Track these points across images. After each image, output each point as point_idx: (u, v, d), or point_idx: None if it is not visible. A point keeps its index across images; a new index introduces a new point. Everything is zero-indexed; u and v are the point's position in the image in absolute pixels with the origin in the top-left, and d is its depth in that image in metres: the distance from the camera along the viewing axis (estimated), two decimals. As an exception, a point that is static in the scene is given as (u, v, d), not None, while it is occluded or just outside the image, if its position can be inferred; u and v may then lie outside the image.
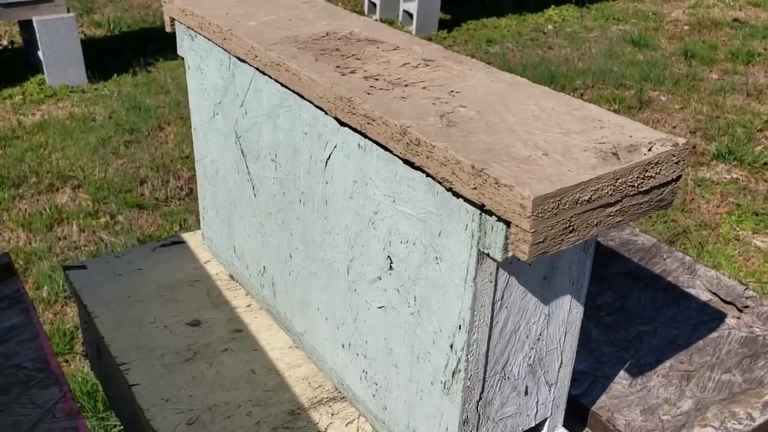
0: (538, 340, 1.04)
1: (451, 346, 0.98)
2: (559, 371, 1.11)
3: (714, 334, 1.45)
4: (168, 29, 1.46)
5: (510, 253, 0.85)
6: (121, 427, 2.44)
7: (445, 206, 0.91)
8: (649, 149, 0.85)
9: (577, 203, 0.80)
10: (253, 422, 1.21)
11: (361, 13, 6.56)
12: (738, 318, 1.49)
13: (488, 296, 0.93)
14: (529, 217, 0.77)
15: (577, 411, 1.30)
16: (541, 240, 0.79)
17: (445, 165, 0.86)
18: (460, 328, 0.95)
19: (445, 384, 1.01)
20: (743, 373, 1.36)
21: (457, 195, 0.89)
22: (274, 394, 1.27)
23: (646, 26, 6.64)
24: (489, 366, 1.00)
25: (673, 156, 0.87)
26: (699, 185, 4.32)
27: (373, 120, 0.96)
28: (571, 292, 1.04)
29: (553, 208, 0.78)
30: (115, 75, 5.18)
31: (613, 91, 5.28)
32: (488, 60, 5.73)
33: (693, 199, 4.22)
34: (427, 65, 1.12)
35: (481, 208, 0.85)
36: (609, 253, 1.67)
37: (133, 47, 5.70)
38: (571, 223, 0.81)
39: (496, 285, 0.93)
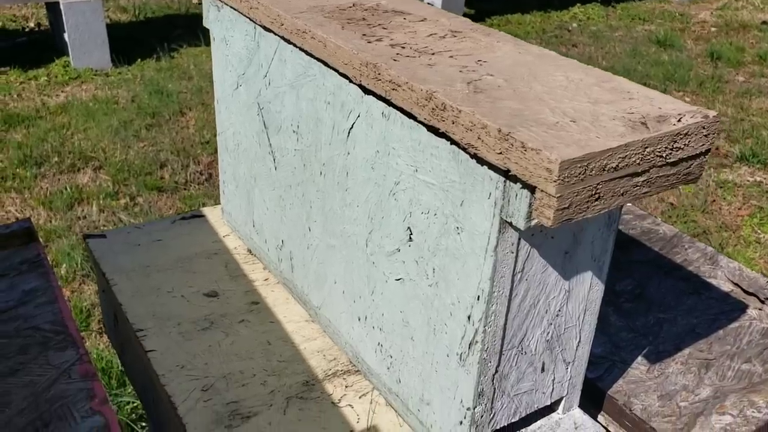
0: (557, 316, 1.03)
1: (469, 318, 0.97)
2: (576, 350, 1.10)
3: (735, 324, 1.43)
4: (195, 1, 1.46)
5: (533, 222, 0.84)
6: (133, 404, 2.45)
7: (468, 174, 0.91)
8: (679, 120, 0.84)
9: (604, 170, 0.79)
10: (268, 391, 1.21)
11: (385, 5, 6.55)
12: (760, 309, 1.46)
13: (509, 267, 0.92)
14: (555, 182, 0.76)
15: (593, 394, 1.28)
16: (566, 206, 0.78)
17: (470, 130, 0.85)
18: (478, 299, 0.94)
19: (461, 356, 1.00)
20: (764, 363, 1.34)
21: (481, 162, 0.88)
22: (288, 365, 1.27)
23: (672, 27, 6.58)
24: (506, 339, 0.99)
25: (703, 128, 0.85)
26: (721, 187, 4.27)
27: (399, 86, 0.95)
28: (592, 268, 1.03)
29: (579, 174, 0.77)
30: (139, 59, 5.20)
31: (636, 90, 5.24)
32: (511, 56, 5.71)
33: (714, 200, 4.18)
34: (455, 36, 1.11)
35: (506, 174, 0.84)
36: (630, 242, 1.66)
37: (157, 33, 5.73)
38: (597, 191, 0.80)
39: (517, 256, 0.92)
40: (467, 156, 0.90)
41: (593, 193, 0.80)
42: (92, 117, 4.40)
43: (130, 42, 5.47)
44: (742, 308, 1.46)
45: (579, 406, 1.23)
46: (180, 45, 5.46)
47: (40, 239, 3.36)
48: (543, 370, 1.07)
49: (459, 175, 0.92)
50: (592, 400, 1.29)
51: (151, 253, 1.52)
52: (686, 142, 0.84)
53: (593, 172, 0.78)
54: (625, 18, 6.75)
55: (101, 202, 3.69)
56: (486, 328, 0.95)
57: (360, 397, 1.22)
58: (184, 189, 3.82)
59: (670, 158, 0.84)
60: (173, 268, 1.48)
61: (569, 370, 1.11)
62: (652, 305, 1.47)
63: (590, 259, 1.01)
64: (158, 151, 4.11)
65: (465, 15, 6.20)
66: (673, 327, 1.42)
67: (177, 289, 1.42)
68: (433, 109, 0.90)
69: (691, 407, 1.25)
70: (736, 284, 1.53)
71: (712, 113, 0.86)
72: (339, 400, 1.21)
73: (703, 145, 0.86)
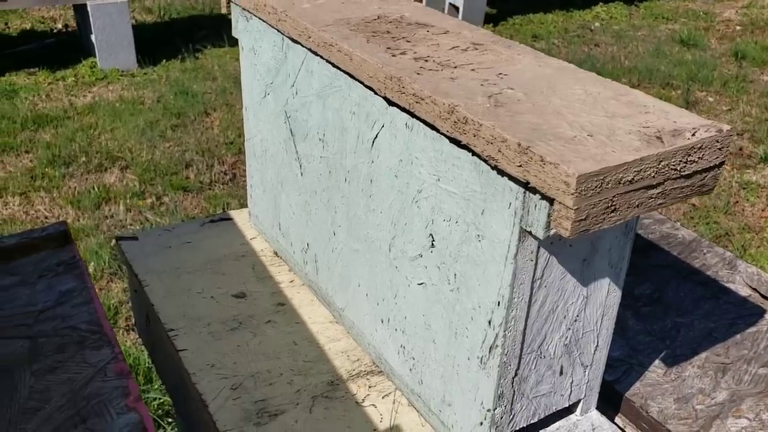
0: (576, 320, 1.06)
1: (489, 322, 1.00)
2: (594, 353, 1.13)
3: (752, 329, 1.45)
4: (223, 11, 1.51)
5: (552, 231, 0.87)
6: (160, 400, 2.51)
7: (489, 185, 0.94)
8: (693, 134, 0.87)
9: (620, 183, 0.82)
10: (294, 390, 1.26)
11: (407, 5, 6.59)
12: (777, 314, 1.49)
13: (528, 274, 0.96)
14: (572, 195, 0.79)
15: (611, 397, 1.31)
16: (583, 218, 0.82)
17: (491, 143, 0.89)
18: (499, 305, 0.98)
19: (482, 359, 1.04)
20: (780, 367, 1.36)
21: (501, 173, 0.91)
22: (314, 365, 1.31)
23: (696, 26, 6.55)
24: (526, 343, 1.02)
25: (717, 142, 0.88)
26: (744, 188, 4.26)
27: (422, 99, 0.99)
28: (609, 275, 1.06)
29: (596, 187, 0.80)
30: (164, 60, 5.28)
31: (659, 90, 5.23)
32: (533, 56, 5.72)
33: (737, 201, 4.17)
34: (476, 49, 1.14)
35: (526, 186, 0.87)
36: (649, 246, 1.68)
37: (182, 34, 5.80)
38: (613, 203, 0.83)
39: (536, 263, 0.95)
40: (488, 167, 0.93)
41: (609, 205, 0.83)
42: (119, 117, 4.48)
43: (155, 43, 5.56)
44: (760, 313, 1.48)
45: (597, 408, 1.26)
46: (204, 46, 5.53)
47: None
48: (561, 373, 1.10)
49: (480, 185, 0.96)
50: (610, 402, 1.32)
51: (181, 255, 1.57)
52: (700, 156, 0.87)
53: (609, 185, 0.81)
54: (649, 17, 6.73)
55: (128, 201, 3.76)
56: (506, 332, 0.99)
57: (383, 397, 1.26)
58: (209, 189, 3.89)
59: (684, 171, 0.87)
60: (203, 269, 1.53)
61: (587, 373, 1.15)
62: (670, 309, 1.49)
63: (608, 266, 1.04)
64: (183, 151, 4.18)
65: (487, 15, 6.22)
66: (690, 331, 1.44)
67: (206, 290, 1.47)
68: (455, 122, 0.94)
69: (707, 410, 1.27)
70: (754, 289, 1.55)
71: (726, 127, 0.89)
72: (363, 399, 1.25)
73: (717, 158, 0.89)
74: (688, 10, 7.00)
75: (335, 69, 1.21)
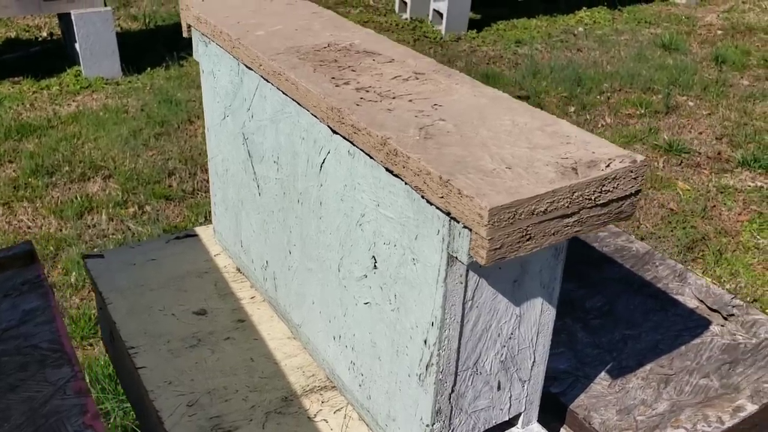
0: (510, 338, 1.11)
1: (425, 341, 1.05)
2: (532, 369, 1.18)
3: (697, 340, 1.50)
4: (185, 35, 1.55)
5: (473, 258, 0.92)
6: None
7: (420, 212, 0.99)
8: (607, 165, 0.92)
9: (533, 214, 0.87)
10: (249, 406, 1.30)
11: (391, 12, 6.63)
12: (722, 326, 1.54)
13: (459, 296, 1.00)
14: (485, 226, 0.84)
15: (557, 409, 1.36)
16: (498, 246, 0.86)
17: (418, 175, 0.94)
18: (432, 325, 1.03)
19: (420, 376, 1.09)
20: (721, 378, 1.41)
21: (429, 202, 0.96)
22: (269, 381, 1.36)
23: (678, 30, 6.61)
24: (461, 361, 1.07)
25: (631, 172, 0.93)
26: (722, 192, 4.32)
27: (359, 130, 1.04)
28: (542, 295, 1.11)
29: (509, 218, 0.85)
30: (149, 68, 5.31)
31: (640, 95, 5.29)
32: (516, 61, 5.77)
33: (715, 206, 4.22)
34: (417, 78, 1.19)
35: (448, 215, 0.92)
36: (603, 259, 1.73)
37: (167, 41, 5.84)
38: (528, 232, 0.88)
39: (466, 286, 1.00)
40: (419, 196, 0.98)
41: (524, 234, 0.88)
42: (102, 126, 4.51)
43: (140, 50, 5.59)
44: (705, 324, 1.53)
45: (541, 421, 1.31)
46: (189, 53, 5.56)
47: (49, 253, 3.47)
48: (499, 388, 1.15)
49: (413, 212, 1.01)
50: (556, 414, 1.37)
51: (145, 273, 1.61)
52: (615, 185, 0.92)
53: (522, 216, 0.86)
54: (632, 21, 6.79)
55: (110, 210, 3.80)
56: (440, 351, 1.04)
57: (335, 412, 1.31)
58: (191, 197, 3.93)
59: (599, 200, 0.92)
60: (166, 286, 1.58)
61: (526, 387, 1.19)
62: (620, 322, 1.54)
63: (539, 286, 1.09)
64: (166, 159, 4.22)
65: (471, 20, 6.27)
66: (637, 343, 1.49)
67: (168, 308, 1.52)
68: (387, 153, 0.99)
69: (647, 421, 1.32)
70: (701, 301, 1.60)
71: (640, 158, 0.94)
72: (315, 415, 1.30)
73: (632, 186, 0.94)
74: (671, 14, 7.06)
75: (285, 96, 1.25)
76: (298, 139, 1.25)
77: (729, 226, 4.10)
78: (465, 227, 0.90)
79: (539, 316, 1.12)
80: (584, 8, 6.90)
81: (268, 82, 1.29)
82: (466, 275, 0.99)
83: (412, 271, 1.04)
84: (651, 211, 4.10)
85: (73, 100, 4.84)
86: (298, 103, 1.21)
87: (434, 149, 0.96)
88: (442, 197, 0.90)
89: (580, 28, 6.53)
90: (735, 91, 5.40)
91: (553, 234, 0.91)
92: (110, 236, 3.57)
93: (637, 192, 0.95)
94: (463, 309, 1.02)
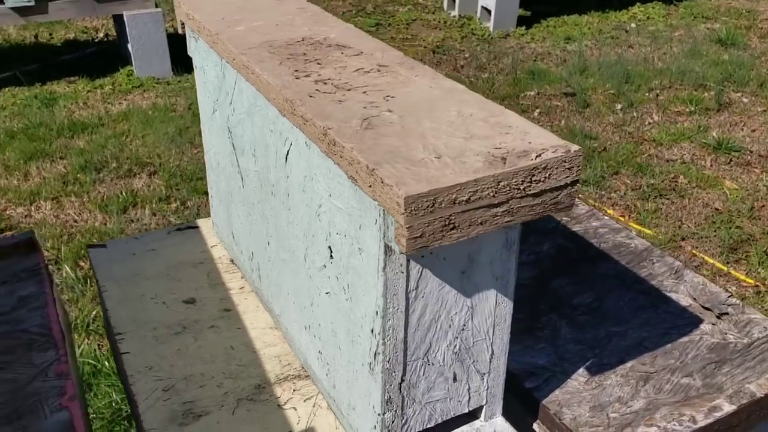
0: (463, 330, 1.11)
1: (372, 331, 1.06)
2: (491, 361, 1.18)
3: (684, 339, 1.46)
4: (180, 31, 1.60)
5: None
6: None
7: (361, 202, 1.00)
8: (539, 155, 0.91)
9: (454, 203, 0.87)
10: (222, 392, 1.33)
11: (440, 9, 6.62)
12: (713, 324, 1.49)
13: (401, 286, 1.01)
14: (402, 214, 0.85)
15: (530, 404, 1.35)
16: (418, 235, 0.87)
17: (351, 164, 0.95)
18: (377, 314, 1.04)
19: (370, 365, 1.10)
20: (704, 378, 1.37)
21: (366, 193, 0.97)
22: (245, 369, 1.39)
23: (738, 24, 6.40)
24: (409, 351, 1.07)
25: (564, 162, 0.92)
26: (771, 191, 4.17)
27: (306, 121, 1.06)
28: (495, 287, 1.10)
29: (427, 207, 0.86)
30: (199, 68, 5.44)
31: (691, 92, 5.15)
32: (564, 57, 5.69)
33: (763, 206, 4.08)
34: (379, 70, 1.20)
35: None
36: (598, 255, 1.70)
37: (219, 41, 5.97)
38: (451, 221, 0.88)
39: (408, 275, 1.01)
40: (357, 186, 0.99)
41: (447, 223, 0.88)
42: (150, 124, 4.65)
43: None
44: (696, 323, 1.49)
45: (515, 415, 1.31)
46: (238, 53, 5.68)
47: (94, 242, 3.59)
48: (455, 379, 1.15)
49: (357, 202, 1.02)
50: (529, 409, 1.36)
51: (143, 262, 1.67)
52: (546, 176, 0.91)
53: (443, 205, 0.86)
54: (688, 17, 6.60)
55: (154, 206, 3.91)
56: (386, 340, 1.05)
57: (305, 401, 1.33)
58: (230, 193, 4.00)
59: (530, 190, 0.92)
60: (160, 276, 1.62)
61: (486, 380, 1.19)
62: (607, 319, 1.52)
63: (491, 278, 1.09)
64: (208, 156, 4.31)
65: (520, 17, 6.20)
66: (622, 341, 1.46)
67: (159, 296, 1.56)
68: (328, 143, 1.00)
69: (620, 419, 1.30)
70: (694, 299, 1.56)
71: (574, 147, 0.93)
72: (285, 403, 1.32)
73: (567, 177, 0.93)
74: (730, 8, 6.84)
75: (256, 90, 1.28)
76: (268, 132, 1.28)
77: (778, 226, 3.95)
78: (391, 216, 0.91)
79: (494, 308, 1.12)
80: (638, 4, 6.75)
81: (242, 76, 1.32)
82: (407, 265, 1.00)
83: (359, 261, 1.06)
84: (695, 211, 3.99)
85: (124, 99, 5.00)
86: (265, 97, 1.23)
87: (371, 139, 0.97)
88: (370, 186, 0.91)
89: (633, 24, 6.39)
90: (794, 87, 5.20)
91: (481, 224, 0.90)
92: (152, 230, 3.67)
93: (574, 183, 0.94)
94: (407, 298, 1.02)
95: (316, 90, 1.13)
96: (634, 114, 4.86)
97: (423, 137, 0.97)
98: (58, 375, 1.31)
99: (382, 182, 0.87)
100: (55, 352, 1.36)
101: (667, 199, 4.05)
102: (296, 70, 1.20)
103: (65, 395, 1.28)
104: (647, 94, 5.12)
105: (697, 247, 3.71)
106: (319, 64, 1.23)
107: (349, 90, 1.13)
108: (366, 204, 0.98)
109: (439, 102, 1.08)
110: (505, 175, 0.89)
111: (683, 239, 3.76)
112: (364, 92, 1.12)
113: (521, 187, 0.91)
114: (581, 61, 5.53)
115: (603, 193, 4.06)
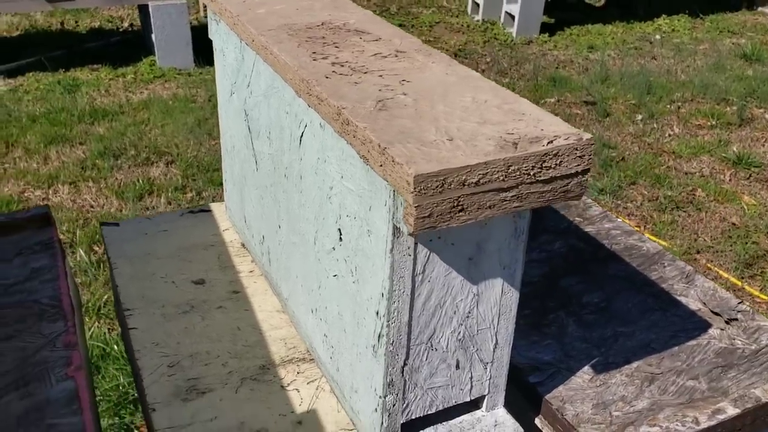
0: (468, 317, 1.11)
1: (377, 313, 1.06)
2: (494, 351, 1.17)
3: (692, 342, 1.45)
4: (201, 13, 1.61)
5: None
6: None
7: (372, 183, 1.00)
8: (550, 142, 0.91)
9: (464, 185, 0.87)
10: (226, 371, 1.34)
11: (464, 13, 6.62)
12: (722, 329, 1.48)
13: (407, 268, 1.01)
14: (412, 193, 0.85)
15: (533, 398, 1.35)
16: (426, 215, 0.87)
17: (363, 144, 0.95)
18: (383, 296, 1.04)
19: (374, 348, 1.10)
20: (710, 381, 1.36)
21: (377, 173, 0.97)
22: (251, 350, 1.39)
23: (763, 40, 6.36)
24: (413, 335, 1.08)
25: (576, 150, 0.92)
26: (789, 208, 4.13)
27: (321, 101, 1.06)
28: (502, 275, 1.10)
29: (437, 187, 0.86)
30: (221, 61, 5.48)
31: (713, 105, 5.12)
32: (586, 66, 5.67)
33: (782, 222, 4.05)
34: (396, 56, 1.20)
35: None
36: (610, 256, 1.70)
37: (242, 36, 6.00)
38: (460, 203, 0.88)
39: (415, 259, 1.01)
40: (369, 166, 0.99)
41: (455, 204, 0.88)
42: (170, 114, 4.68)
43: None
44: (704, 327, 1.49)
45: (518, 409, 1.30)
46: (261, 48, 5.71)
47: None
48: (458, 367, 1.15)
49: (368, 183, 1.02)
50: (533, 403, 1.35)
51: (154, 242, 1.68)
52: (557, 162, 0.91)
53: (452, 186, 0.87)
54: (713, 30, 6.56)
55: (169, 194, 3.94)
56: (390, 323, 1.05)
57: (308, 383, 1.33)
58: (246, 185, 4.02)
59: (540, 176, 0.92)
60: (171, 256, 1.64)
61: (488, 370, 1.19)
62: (614, 319, 1.51)
63: (498, 266, 1.09)
64: (226, 148, 4.34)
65: (543, 24, 6.19)
66: (628, 341, 1.46)
67: (170, 275, 1.58)
68: (341, 123, 1.01)
69: (623, 417, 1.29)
70: (704, 303, 1.55)
71: (586, 136, 0.92)
72: (288, 384, 1.33)
73: (578, 165, 0.93)
74: (757, 23, 6.80)
75: (273, 71, 1.29)
76: (284, 114, 1.29)
77: (795, 244, 3.92)
78: (401, 195, 0.91)
79: (500, 297, 1.12)
80: (663, 16, 6.72)
81: (261, 57, 1.33)
82: (415, 248, 1.00)
83: (367, 243, 1.06)
84: (711, 224, 3.96)
85: (146, 88, 5.04)
86: (282, 78, 1.24)
87: (384, 120, 0.97)
88: (381, 165, 0.91)
89: (657, 36, 6.36)
90: (817, 106, 5.16)
91: (489, 207, 0.91)
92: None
93: (585, 171, 0.94)
94: (414, 282, 1.03)
95: (333, 72, 1.13)
96: (655, 125, 4.84)
97: (436, 120, 0.98)
98: (65, 345, 1.32)
99: (393, 161, 0.88)
100: (63, 324, 1.37)
101: (684, 211, 4.02)
102: (314, 53, 1.21)
103: (71, 365, 1.29)
104: (669, 106, 5.09)
105: (711, 261, 3.68)
106: (337, 47, 1.24)
107: (365, 73, 1.13)
108: (377, 185, 0.99)
109: (454, 87, 1.09)
110: (516, 159, 0.89)
111: (698, 252, 3.73)
112: (380, 76, 1.12)
113: (531, 173, 0.91)
114: (603, 71, 5.51)
115: (619, 202, 4.04)
